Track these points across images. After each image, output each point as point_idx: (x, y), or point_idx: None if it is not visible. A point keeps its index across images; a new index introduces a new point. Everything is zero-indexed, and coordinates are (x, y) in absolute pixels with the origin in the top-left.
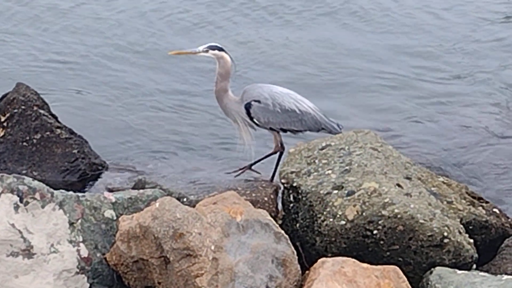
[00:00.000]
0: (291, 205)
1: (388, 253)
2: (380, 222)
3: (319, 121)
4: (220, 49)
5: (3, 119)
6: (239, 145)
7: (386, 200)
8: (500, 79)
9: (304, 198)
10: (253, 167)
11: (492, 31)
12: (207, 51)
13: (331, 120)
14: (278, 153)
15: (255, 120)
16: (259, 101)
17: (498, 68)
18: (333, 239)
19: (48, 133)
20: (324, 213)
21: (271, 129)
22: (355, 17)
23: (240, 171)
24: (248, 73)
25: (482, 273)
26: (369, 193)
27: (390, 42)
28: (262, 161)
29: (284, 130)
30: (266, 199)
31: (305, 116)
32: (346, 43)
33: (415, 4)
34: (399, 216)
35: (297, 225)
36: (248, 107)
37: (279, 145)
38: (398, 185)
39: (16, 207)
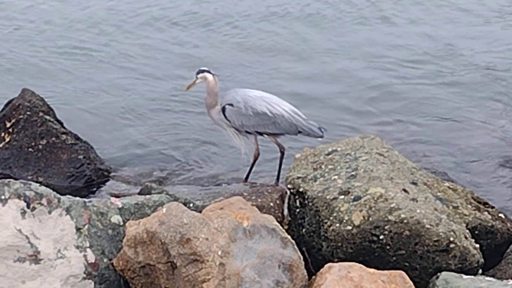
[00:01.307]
0: (297, 210)
1: (394, 258)
2: (386, 227)
3: (294, 124)
4: (203, 71)
5: (8, 125)
6: (240, 150)
7: (392, 205)
8: (506, 82)
9: (310, 203)
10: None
11: (490, 32)
12: (196, 78)
13: (311, 123)
14: (279, 156)
15: (231, 123)
16: (232, 105)
17: (504, 70)
18: (340, 244)
19: (53, 139)
20: (331, 218)
21: (247, 132)
22: (354, 20)
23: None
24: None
25: (488, 278)
26: (375, 198)
27: (393, 47)
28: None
29: (260, 133)
30: (272, 204)
31: (277, 119)
32: (349, 48)
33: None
34: (405, 221)
35: (304, 230)
36: (223, 111)
37: (258, 150)
38: (404, 190)
39: (23, 213)
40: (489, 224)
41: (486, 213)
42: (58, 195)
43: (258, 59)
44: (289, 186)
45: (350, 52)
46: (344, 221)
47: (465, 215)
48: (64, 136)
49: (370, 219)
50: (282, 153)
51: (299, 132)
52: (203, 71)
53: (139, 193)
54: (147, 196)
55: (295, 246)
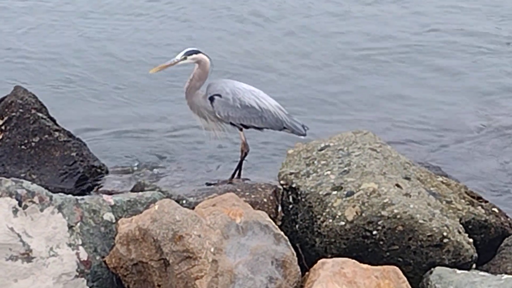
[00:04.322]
0: (291, 206)
1: (388, 254)
2: (379, 222)
3: (280, 120)
4: (197, 52)
5: (1, 122)
6: (210, 140)
7: (385, 201)
8: (499, 78)
9: (303, 199)
10: (234, 178)
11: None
12: (185, 58)
13: (296, 120)
14: (241, 155)
15: (216, 114)
16: (220, 95)
17: (497, 66)
18: (333, 240)
19: (46, 136)
20: (324, 214)
21: (232, 124)
22: (351, 19)
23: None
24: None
25: (482, 273)
26: (368, 194)
27: (385, 41)
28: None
29: (245, 126)
30: (265, 200)
31: (265, 113)
32: (341, 43)
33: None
34: (398, 216)
35: (297, 226)
36: (211, 100)
37: (245, 145)
38: (397, 186)
39: (15, 211)
40: (483, 219)
41: (479, 207)
42: (50, 193)
43: (254, 55)
44: (282, 182)
45: (342, 50)
46: (337, 216)
47: (459, 209)
48: (57, 133)
49: (363, 214)
50: (245, 154)
51: (284, 128)
52: (196, 52)
53: (132, 190)
54: (140, 193)
55: (288, 242)
